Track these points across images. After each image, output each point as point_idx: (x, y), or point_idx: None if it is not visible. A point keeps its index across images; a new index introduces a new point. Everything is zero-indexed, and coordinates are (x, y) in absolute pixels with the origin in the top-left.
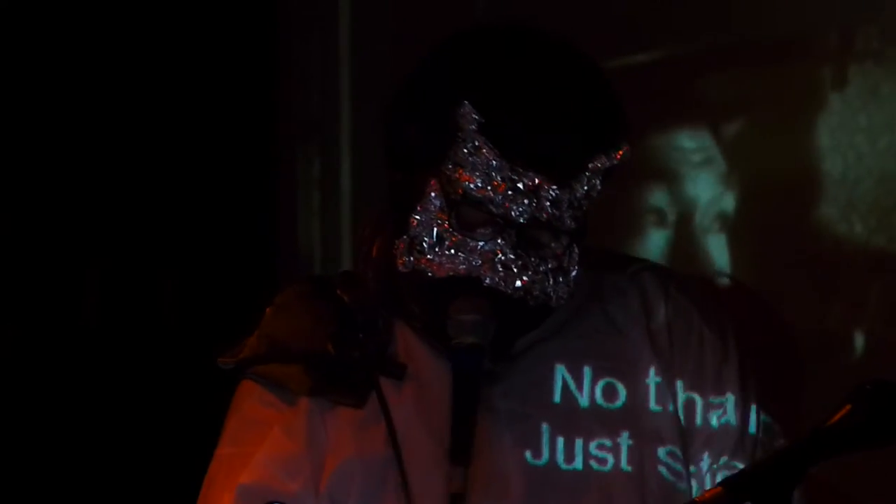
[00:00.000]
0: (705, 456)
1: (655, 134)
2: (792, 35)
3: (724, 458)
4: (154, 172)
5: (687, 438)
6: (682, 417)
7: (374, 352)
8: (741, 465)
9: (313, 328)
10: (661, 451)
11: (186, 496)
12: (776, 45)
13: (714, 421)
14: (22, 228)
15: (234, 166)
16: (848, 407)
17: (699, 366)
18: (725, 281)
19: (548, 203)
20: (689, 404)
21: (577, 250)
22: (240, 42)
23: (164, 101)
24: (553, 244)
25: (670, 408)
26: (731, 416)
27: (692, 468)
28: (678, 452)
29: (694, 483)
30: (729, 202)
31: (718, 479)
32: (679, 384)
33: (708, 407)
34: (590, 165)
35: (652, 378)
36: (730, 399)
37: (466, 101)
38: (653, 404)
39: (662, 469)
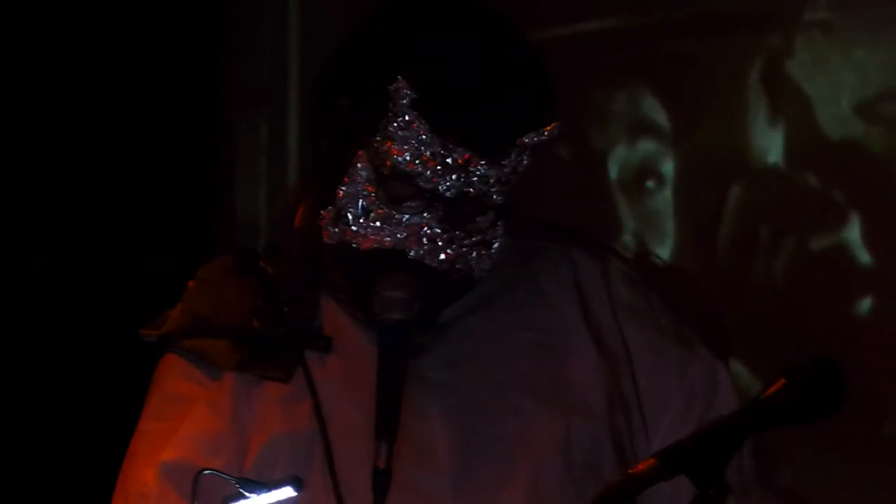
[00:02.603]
0: (680, 418)
1: (604, 101)
2: (740, 5)
3: (699, 419)
4: (93, 136)
5: (653, 405)
6: (640, 385)
7: (300, 326)
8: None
9: (238, 303)
10: (589, 425)
11: (110, 470)
12: (725, 15)
13: (685, 383)
14: None
15: (176, 130)
16: (783, 381)
17: (657, 331)
18: (656, 254)
19: (476, 179)
20: (652, 368)
21: (501, 225)
22: (185, 4)
23: (104, 64)
24: (479, 219)
25: (604, 383)
26: (703, 374)
27: (661, 431)
28: (607, 427)
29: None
30: (671, 167)
31: None
32: (636, 352)
33: (676, 369)
34: (518, 142)
35: (584, 352)
36: (698, 358)
37: (400, 76)
38: (583, 378)
39: (589, 443)
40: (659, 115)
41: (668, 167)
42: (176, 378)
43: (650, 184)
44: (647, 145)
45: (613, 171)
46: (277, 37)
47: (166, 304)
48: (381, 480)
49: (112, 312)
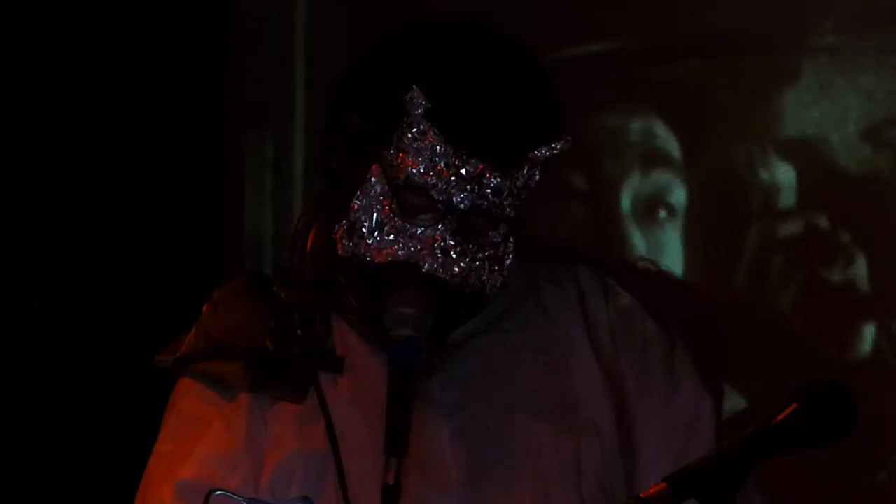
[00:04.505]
0: (660, 449)
1: (607, 125)
2: (746, 28)
3: (678, 450)
4: (99, 154)
5: (638, 434)
6: (631, 411)
7: (313, 347)
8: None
9: (251, 325)
10: (598, 444)
11: (125, 491)
12: (730, 38)
13: (668, 413)
14: None
15: (182, 149)
16: (794, 406)
17: (648, 360)
18: (656, 269)
19: (489, 191)
20: (641, 397)
21: (512, 240)
22: (191, 22)
23: (111, 81)
24: (491, 232)
25: (610, 401)
26: (686, 406)
27: (643, 460)
28: (616, 446)
29: (642, 476)
30: (681, 194)
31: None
32: (628, 379)
33: (660, 398)
34: (531, 155)
35: (589, 371)
36: (683, 389)
37: (415, 86)
38: (590, 397)
39: (599, 462)
40: (670, 143)
41: (679, 197)
42: (192, 401)
43: (663, 214)
44: (659, 175)
45: (626, 201)
46: (283, 55)
47: (173, 322)
48: (390, 496)
49: (119, 330)
